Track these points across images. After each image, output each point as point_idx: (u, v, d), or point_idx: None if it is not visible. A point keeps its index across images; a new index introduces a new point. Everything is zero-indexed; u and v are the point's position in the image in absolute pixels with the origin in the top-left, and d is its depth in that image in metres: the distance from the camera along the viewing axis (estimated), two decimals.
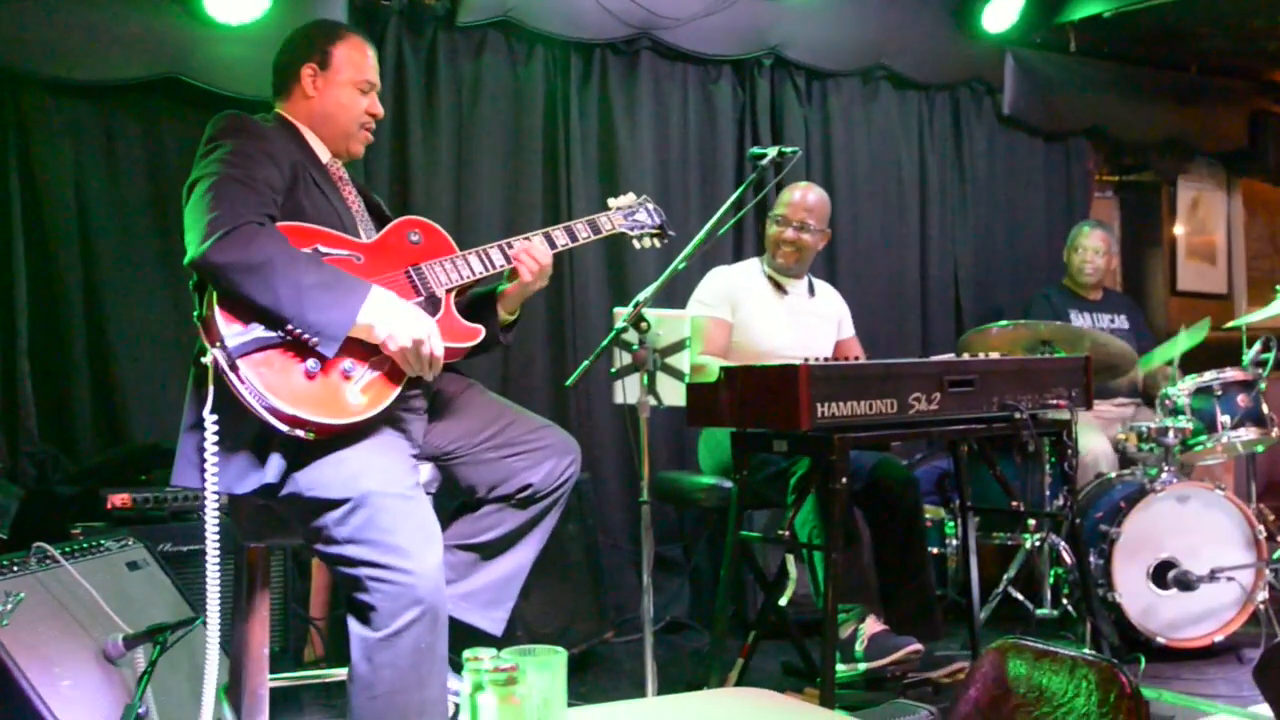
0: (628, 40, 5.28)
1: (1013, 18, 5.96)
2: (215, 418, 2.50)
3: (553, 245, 2.99)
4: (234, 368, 2.47)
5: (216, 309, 2.50)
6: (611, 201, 3.22)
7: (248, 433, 2.54)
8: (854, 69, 5.91)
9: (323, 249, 2.67)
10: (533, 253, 2.92)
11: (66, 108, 4.36)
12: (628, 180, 5.22)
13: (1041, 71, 6.42)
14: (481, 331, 2.85)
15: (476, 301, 3.01)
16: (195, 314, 2.60)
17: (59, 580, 3.08)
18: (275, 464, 2.54)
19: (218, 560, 2.56)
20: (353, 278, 2.62)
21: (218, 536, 2.54)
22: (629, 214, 3.19)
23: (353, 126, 2.93)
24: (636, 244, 3.23)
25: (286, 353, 2.53)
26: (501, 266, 2.91)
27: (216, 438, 2.51)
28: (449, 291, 2.83)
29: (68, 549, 3.22)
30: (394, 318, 2.58)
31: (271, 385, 2.48)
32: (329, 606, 4.30)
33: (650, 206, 3.24)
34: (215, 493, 2.52)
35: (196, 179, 2.61)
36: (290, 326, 2.50)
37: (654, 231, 3.22)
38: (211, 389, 2.51)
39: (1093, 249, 5.60)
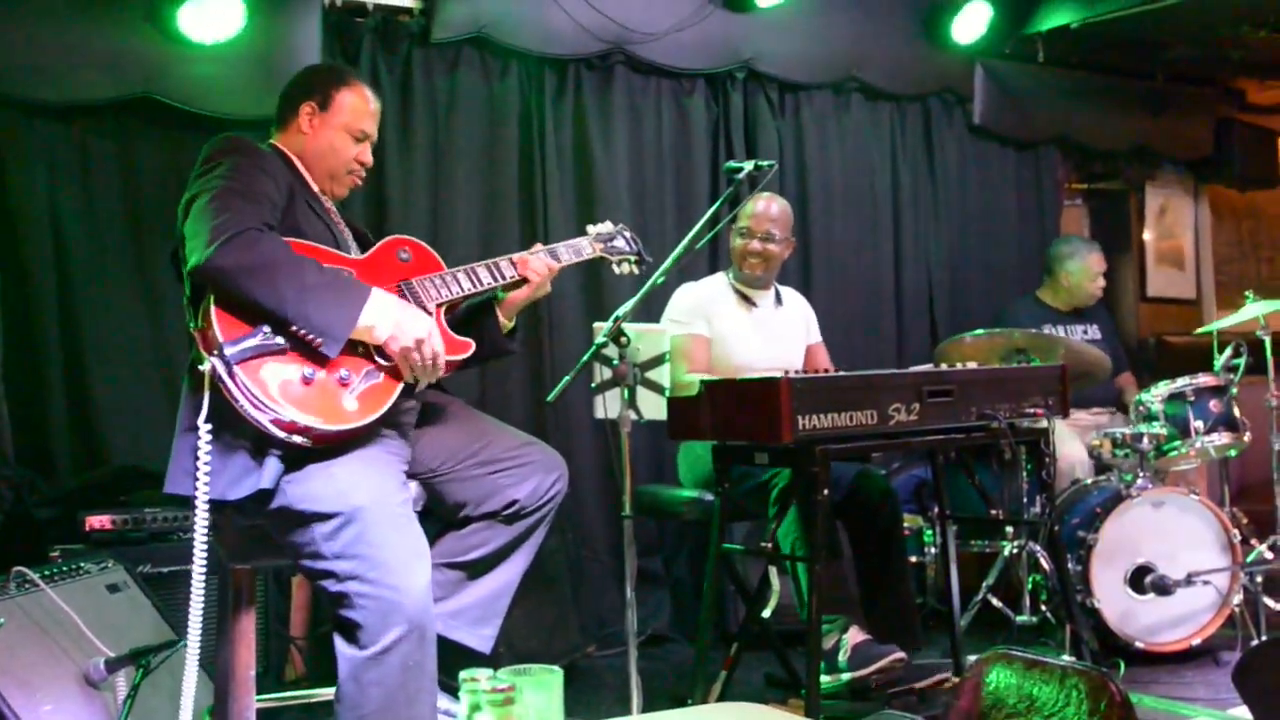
0: (601, 55, 5.29)
1: (982, 29, 6.00)
2: (209, 426, 2.52)
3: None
4: (231, 375, 2.48)
5: (214, 318, 2.52)
6: (590, 228, 3.36)
7: (244, 440, 2.56)
8: (826, 81, 5.94)
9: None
10: (538, 262, 3.08)
11: (40, 128, 4.32)
12: (603, 195, 5.25)
13: (1011, 81, 6.47)
14: (472, 345, 2.91)
15: (475, 312, 3.09)
16: (191, 325, 2.63)
17: (39, 604, 3.07)
18: (271, 469, 2.55)
19: (204, 570, 2.54)
20: (355, 280, 2.69)
21: (206, 543, 2.53)
22: (607, 240, 3.33)
23: (340, 170, 2.98)
24: (616, 269, 3.37)
25: (284, 359, 2.55)
26: (488, 285, 3.00)
27: (210, 445, 2.52)
28: (439, 306, 2.89)
29: (47, 572, 3.20)
30: (396, 318, 2.64)
31: (269, 391, 2.50)
32: (309, 625, 4.28)
33: (627, 234, 3.39)
34: (208, 499, 2.52)
35: (196, 194, 2.64)
36: (294, 328, 2.54)
37: (632, 258, 3.37)
38: (207, 395, 2.52)
39: (1098, 271, 5.64)
